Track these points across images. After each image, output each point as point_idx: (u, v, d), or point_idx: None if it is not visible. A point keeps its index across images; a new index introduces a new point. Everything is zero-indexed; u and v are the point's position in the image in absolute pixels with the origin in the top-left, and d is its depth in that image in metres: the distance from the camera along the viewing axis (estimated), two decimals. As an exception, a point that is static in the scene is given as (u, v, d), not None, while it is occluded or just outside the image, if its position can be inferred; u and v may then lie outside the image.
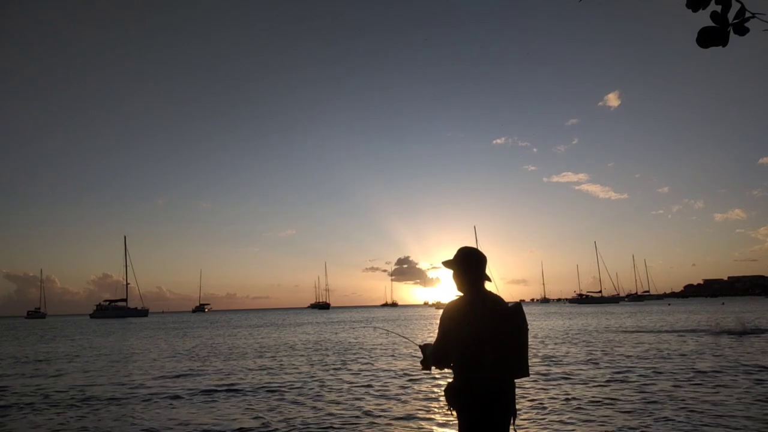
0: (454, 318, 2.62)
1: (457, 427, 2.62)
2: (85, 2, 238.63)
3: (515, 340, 2.57)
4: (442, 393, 2.77)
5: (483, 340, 2.52)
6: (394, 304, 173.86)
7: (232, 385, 10.35)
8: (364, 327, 34.91)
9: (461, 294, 2.75)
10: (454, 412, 2.63)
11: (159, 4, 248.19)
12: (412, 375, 11.03)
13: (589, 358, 13.22)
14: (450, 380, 2.68)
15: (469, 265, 2.72)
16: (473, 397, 2.51)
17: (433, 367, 2.85)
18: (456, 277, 2.75)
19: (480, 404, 2.49)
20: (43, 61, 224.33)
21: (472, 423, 2.50)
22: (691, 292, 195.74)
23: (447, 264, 2.81)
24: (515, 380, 2.62)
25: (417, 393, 8.98)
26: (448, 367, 2.72)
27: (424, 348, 2.92)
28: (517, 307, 2.63)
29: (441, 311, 2.72)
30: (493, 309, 2.59)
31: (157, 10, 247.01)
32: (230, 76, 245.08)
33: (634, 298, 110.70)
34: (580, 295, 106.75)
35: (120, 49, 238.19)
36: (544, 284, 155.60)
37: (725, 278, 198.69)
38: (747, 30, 1.86)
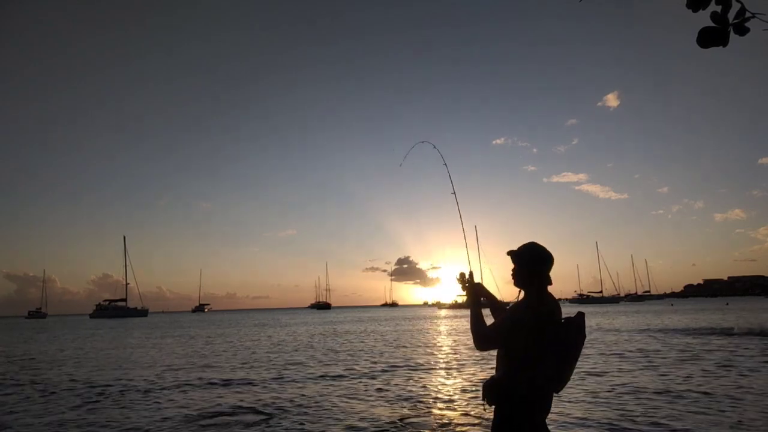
0: (519, 316, 2.52)
1: (492, 424, 2.53)
2: (85, 2, 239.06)
3: (570, 351, 2.49)
4: (480, 387, 2.66)
5: (542, 345, 2.44)
6: (394, 304, 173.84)
7: (214, 379, 10.36)
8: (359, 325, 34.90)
9: (518, 290, 2.66)
10: (490, 409, 2.54)
11: (159, 4, 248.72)
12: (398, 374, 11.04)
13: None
14: (492, 375, 2.61)
15: (534, 262, 2.60)
16: (518, 396, 2.44)
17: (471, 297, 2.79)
18: (517, 272, 2.64)
19: (527, 402, 2.43)
20: (43, 61, 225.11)
21: (518, 420, 2.43)
22: (691, 292, 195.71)
23: (512, 255, 2.68)
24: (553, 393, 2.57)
25: (406, 393, 8.96)
26: (491, 348, 2.60)
27: (465, 277, 2.85)
28: (580, 318, 2.54)
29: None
30: (551, 311, 2.51)
31: (157, 10, 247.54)
32: (230, 76, 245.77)
33: (634, 298, 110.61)
34: (581, 295, 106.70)
35: (120, 49, 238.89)
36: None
37: (725, 278, 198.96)
38: (747, 30, 1.85)
